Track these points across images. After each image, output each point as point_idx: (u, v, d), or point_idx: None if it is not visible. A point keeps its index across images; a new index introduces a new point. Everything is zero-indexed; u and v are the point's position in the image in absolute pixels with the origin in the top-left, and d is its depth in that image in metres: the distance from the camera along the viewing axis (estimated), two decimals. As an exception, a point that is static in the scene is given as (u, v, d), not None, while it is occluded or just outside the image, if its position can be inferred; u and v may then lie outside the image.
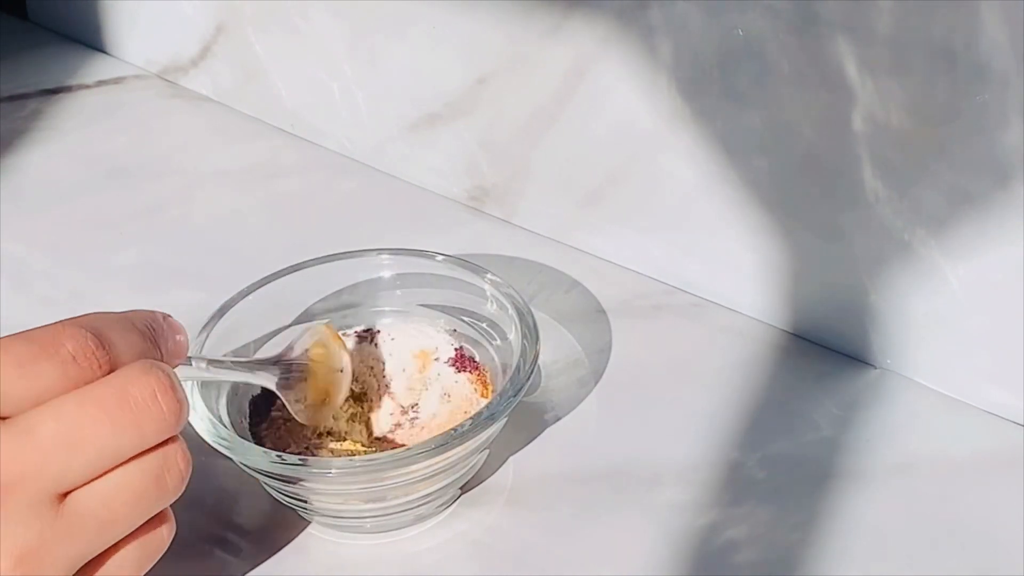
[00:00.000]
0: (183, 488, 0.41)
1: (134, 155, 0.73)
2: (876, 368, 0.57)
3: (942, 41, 0.49)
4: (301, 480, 0.47)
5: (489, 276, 0.53)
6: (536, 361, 0.50)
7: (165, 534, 0.42)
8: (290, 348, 0.51)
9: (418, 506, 0.49)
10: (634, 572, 0.48)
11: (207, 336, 0.51)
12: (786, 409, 0.55)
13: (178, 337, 0.43)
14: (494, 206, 0.66)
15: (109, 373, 0.39)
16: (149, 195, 0.69)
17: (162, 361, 0.42)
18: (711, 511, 0.50)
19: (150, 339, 0.42)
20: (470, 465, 0.50)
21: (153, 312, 0.43)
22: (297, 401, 0.50)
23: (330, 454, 0.50)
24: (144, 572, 0.41)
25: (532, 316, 0.52)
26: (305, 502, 0.49)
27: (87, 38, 0.82)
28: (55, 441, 0.38)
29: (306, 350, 0.50)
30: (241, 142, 0.73)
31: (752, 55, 0.54)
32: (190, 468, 0.41)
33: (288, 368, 0.50)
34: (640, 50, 0.57)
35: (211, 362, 0.48)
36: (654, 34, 0.56)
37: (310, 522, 0.50)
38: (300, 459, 0.47)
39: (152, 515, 0.41)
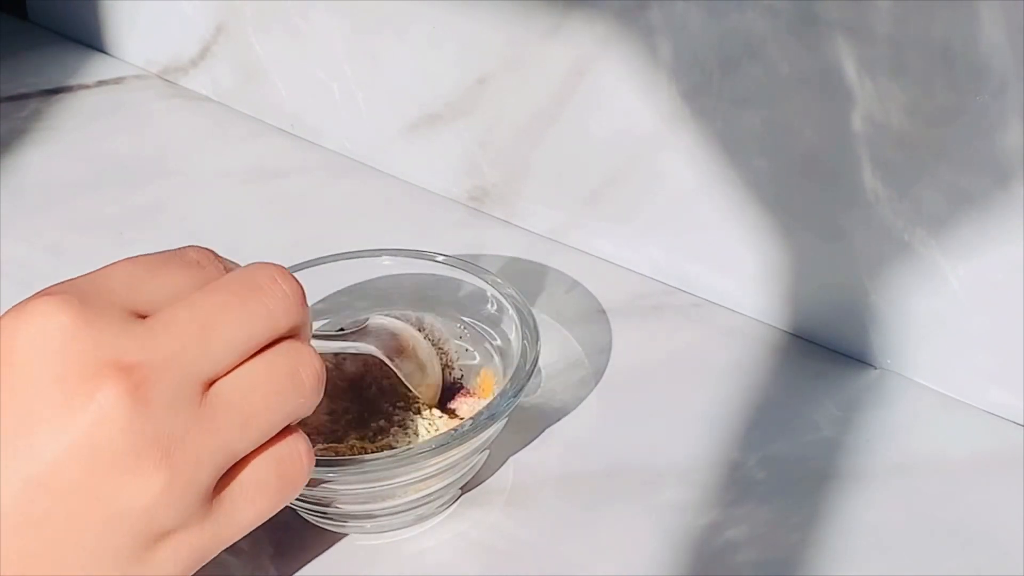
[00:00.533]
0: (320, 390, 0.42)
1: (134, 155, 0.73)
2: (876, 368, 0.57)
3: (942, 42, 0.49)
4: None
5: (489, 277, 0.54)
6: (536, 361, 0.50)
7: (303, 450, 0.42)
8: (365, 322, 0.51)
9: (418, 506, 0.49)
10: (634, 572, 0.48)
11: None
12: (786, 409, 0.55)
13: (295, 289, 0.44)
14: (494, 206, 0.66)
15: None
16: (149, 195, 0.69)
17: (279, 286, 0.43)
18: (711, 511, 0.50)
19: (269, 275, 0.43)
20: (470, 465, 0.50)
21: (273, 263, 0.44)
22: (407, 368, 0.50)
23: (333, 454, 0.50)
24: (284, 495, 0.42)
25: (532, 316, 0.52)
26: (306, 502, 0.49)
27: (87, 38, 0.82)
28: (190, 327, 0.38)
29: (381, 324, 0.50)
30: (241, 142, 0.73)
31: (752, 55, 0.54)
32: (324, 371, 0.42)
33: (377, 335, 0.50)
34: (640, 50, 0.57)
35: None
36: (654, 34, 0.56)
37: (310, 522, 0.50)
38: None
39: (290, 416, 0.41)
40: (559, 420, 0.55)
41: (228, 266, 0.42)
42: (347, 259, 0.55)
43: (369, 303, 0.55)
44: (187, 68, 0.77)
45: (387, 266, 0.55)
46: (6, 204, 0.69)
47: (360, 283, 0.55)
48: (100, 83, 0.79)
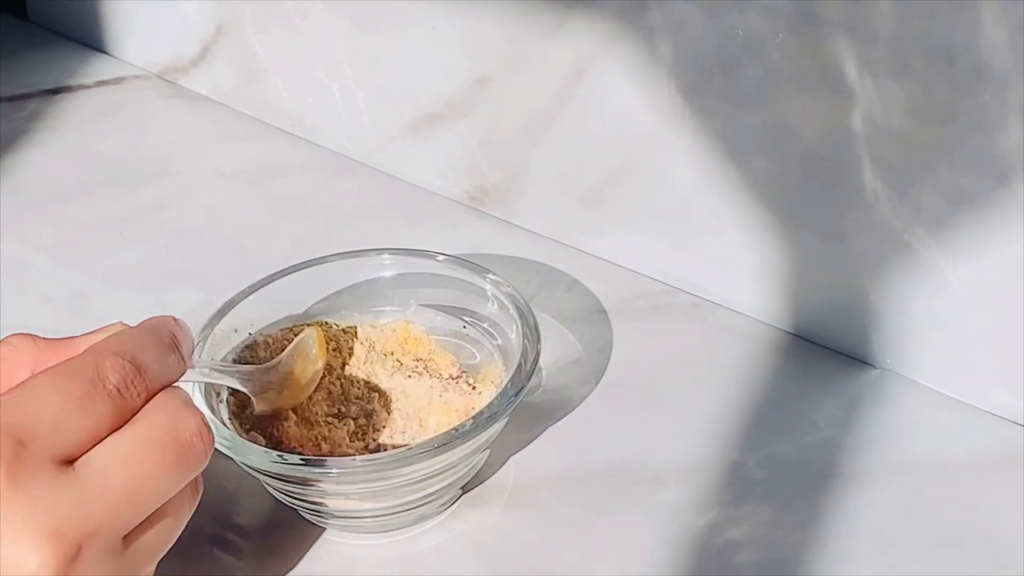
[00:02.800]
0: (207, 454, 0.43)
1: (134, 155, 0.73)
2: (876, 368, 0.57)
3: (942, 41, 0.49)
4: (302, 480, 0.47)
5: (490, 276, 0.53)
6: (537, 361, 0.50)
7: (197, 498, 0.44)
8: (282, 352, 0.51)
9: (419, 506, 0.49)
10: (634, 572, 0.48)
11: (207, 336, 0.51)
12: (786, 409, 0.55)
13: (189, 340, 0.45)
14: (494, 206, 0.66)
15: (149, 396, 0.41)
16: (149, 195, 0.69)
17: (184, 366, 0.43)
18: (711, 511, 0.50)
19: (174, 350, 0.43)
20: (471, 465, 0.50)
21: (167, 318, 0.45)
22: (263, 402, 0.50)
23: (330, 453, 0.50)
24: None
25: (533, 316, 0.52)
26: (306, 502, 0.49)
27: (87, 38, 0.82)
28: (127, 493, 0.39)
29: (290, 355, 0.51)
30: (241, 142, 0.73)
31: (752, 55, 0.54)
32: (202, 487, 0.43)
33: (269, 372, 0.51)
34: (640, 50, 0.57)
35: (213, 368, 0.49)
36: (654, 34, 0.56)
37: (311, 522, 0.50)
38: (301, 459, 0.47)
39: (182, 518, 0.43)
40: (559, 420, 0.55)
41: (143, 379, 0.41)
42: (347, 259, 0.55)
43: (369, 303, 0.55)
44: (187, 68, 0.77)
45: (387, 265, 0.55)
46: (6, 204, 0.69)
47: (360, 283, 0.55)
48: (100, 83, 0.79)
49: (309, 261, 0.55)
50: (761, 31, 0.53)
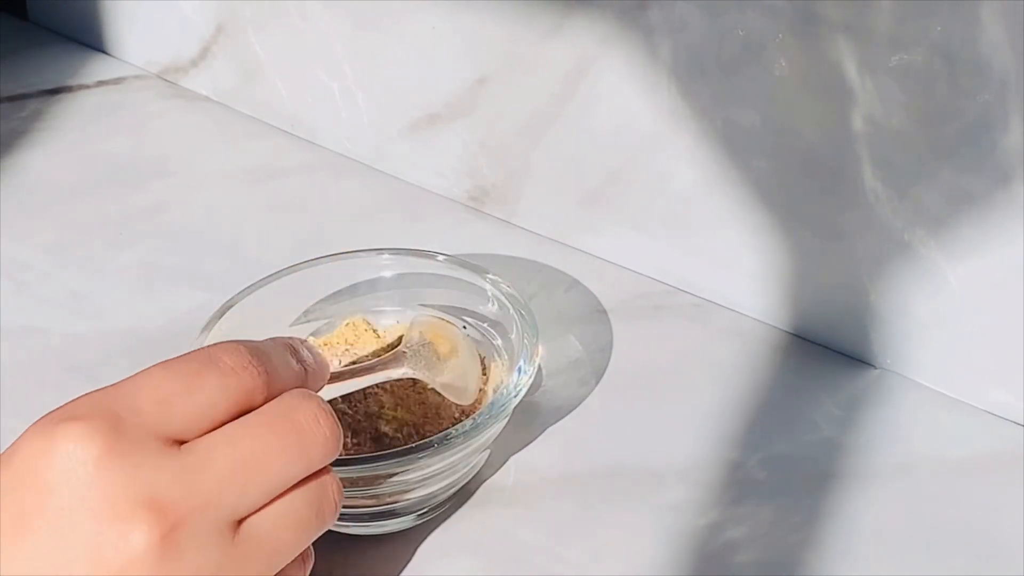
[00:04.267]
0: (334, 519, 0.41)
1: (134, 155, 0.73)
2: (876, 368, 0.57)
3: (942, 41, 0.49)
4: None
5: (490, 276, 0.54)
6: (537, 361, 0.50)
7: (307, 568, 0.42)
8: (406, 340, 0.51)
9: (420, 505, 0.49)
10: (634, 572, 0.48)
11: (207, 336, 0.51)
12: (786, 409, 0.55)
13: (318, 357, 0.44)
14: (494, 206, 0.66)
15: (267, 384, 0.40)
16: (149, 195, 0.69)
17: (307, 378, 0.42)
18: (712, 511, 0.50)
19: (294, 354, 0.42)
20: (471, 465, 0.50)
21: (291, 337, 0.43)
22: (441, 378, 0.50)
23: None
24: (315, 534, 0.41)
25: (533, 316, 0.52)
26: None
27: (87, 38, 0.82)
28: (232, 469, 0.38)
29: (421, 334, 0.50)
30: (241, 142, 0.73)
31: (752, 55, 0.54)
32: (342, 499, 0.41)
33: (414, 353, 0.50)
34: (640, 50, 0.57)
35: (344, 373, 0.48)
36: (654, 34, 0.56)
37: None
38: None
39: (308, 544, 0.41)
40: (560, 420, 0.55)
41: (261, 363, 0.40)
42: (347, 259, 0.55)
43: (370, 302, 0.55)
44: (187, 68, 0.77)
45: (388, 265, 0.55)
46: (6, 204, 0.69)
47: (361, 282, 0.55)
48: (100, 83, 0.79)
49: (309, 261, 0.55)
50: (761, 31, 0.53)
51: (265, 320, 0.53)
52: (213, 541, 0.37)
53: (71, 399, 0.38)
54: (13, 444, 0.37)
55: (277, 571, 0.40)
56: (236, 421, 0.39)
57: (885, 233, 0.53)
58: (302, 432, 0.39)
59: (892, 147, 0.52)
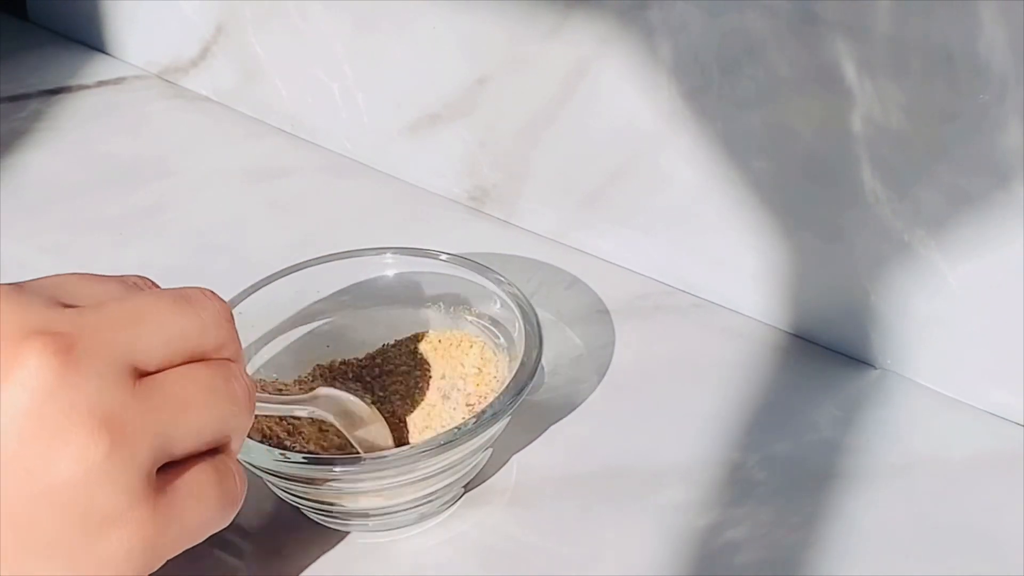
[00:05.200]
0: (251, 409, 0.41)
1: (134, 155, 0.73)
2: (876, 368, 0.57)
3: (941, 42, 0.49)
4: (306, 479, 0.47)
5: (492, 275, 0.54)
6: (539, 360, 0.50)
7: (238, 469, 0.41)
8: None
9: (421, 505, 0.49)
10: (634, 572, 0.48)
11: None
12: (786, 409, 0.55)
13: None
14: (494, 206, 0.66)
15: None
16: (149, 195, 0.69)
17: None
18: (712, 511, 0.50)
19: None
20: (473, 464, 0.50)
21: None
22: (350, 427, 0.50)
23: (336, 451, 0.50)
24: (225, 508, 0.41)
25: (535, 315, 0.52)
26: (309, 501, 0.49)
27: (87, 38, 0.82)
28: (121, 313, 0.38)
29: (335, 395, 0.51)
30: (241, 142, 0.73)
31: (752, 55, 0.54)
32: (254, 390, 0.42)
33: (327, 397, 0.50)
34: (640, 50, 0.57)
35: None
36: (654, 34, 0.56)
37: (313, 521, 0.50)
38: (304, 457, 0.47)
39: (224, 423, 0.40)
40: (560, 420, 0.55)
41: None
42: (348, 258, 0.55)
43: (371, 302, 0.55)
44: (187, 68, 0.77)
45: (390, 264, 0.55)
46: (6, 204, 0.69)
47: (362, 282, 0.55)
48: (100, 83, 0.79)
49: (309, 261, 0.55)
50: (761, 31, 0.53)
51: (265, 320, 0.54)
52: (113, 375, 0.37)
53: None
54: None
55: (189, 429, 0.39)
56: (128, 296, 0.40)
57: (885, 233, 0.53)
58: (191, 299, 0.40)
59: (892, 147, 0.52)
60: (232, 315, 0.42)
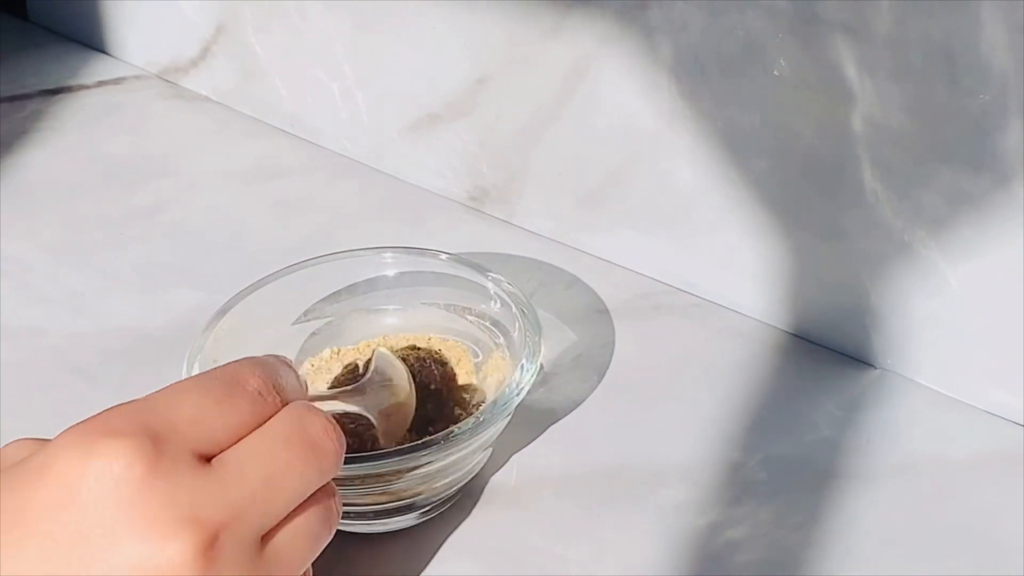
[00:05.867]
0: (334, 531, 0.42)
1: (134, 155, 0.73)
2: (876, 368, 0.57)
3: (942, 42, 0.49)
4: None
5: (492, 275, 0.54)
6: (539, 360, 0.50)
7: (336, 511, 0.43)
8: (366, 371, 0.51)
9: (421, 504, 0.49)
10: (634, 572, 0.48)
11: (208, 336, 0.51)
12: (787, 409, 0.55)
13: (299, 376, 0.45)
14: (494, 206, 0.66)
15: (283, 407, 0.41)
16: (149, 195, 0.69)
17: (303, 388, 0.43)
18: (712, 511, 0.50)
19: (293, 370, 0.43)
20: (473, 463, 0.50)
21: (280, 356, 0.44)
22: (383, 422, 0.50)
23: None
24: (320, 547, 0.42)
25: (535, 314, 0.52)
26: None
27: (87, 38, 0.82)
28: (260, 484, 0.39)
29: (384, 374, 0.51)
30: (241, 142, 0.73)
31: (752, 55, 0.54)
32: (341, 510, 0.42)
33: (375, 391, 0.50)
34: (640, 50, 0.57)
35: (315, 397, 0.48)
36: (654, 34, 0.56)
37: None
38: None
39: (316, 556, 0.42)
40: (561, 419, 0.55)
41: (279, 387, 0.41)
42: (348, 258, 0.55)
43: (371, 302, 0.55)
44: (187, 68, 0.77)
45: (389, 264, 0.55)
46: (6, 204, 0.69)
47: (362, 281, 0.55)
48: (100, 83, 0.79)
49: (309, 261, 0.55)
50: (761, 31, 0.53)
51: (265, 320, 0.54)
52: (246, 555, 0.38)
53: (103, 410, 0.38)
54: (45, 452, 0.37)
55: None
56: (256, 434, 0.40)
57: (885, 233, 0.53)
58: (316, 446, 0.40)
59: (892, 147, 0.52)
60: (340, 433, 0.42)
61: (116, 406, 0.39)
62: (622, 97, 0.59)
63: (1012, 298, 0.51)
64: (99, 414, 0.38)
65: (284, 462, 0.39)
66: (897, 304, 0.55)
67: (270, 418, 0.40)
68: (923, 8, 0.49)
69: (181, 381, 0.40)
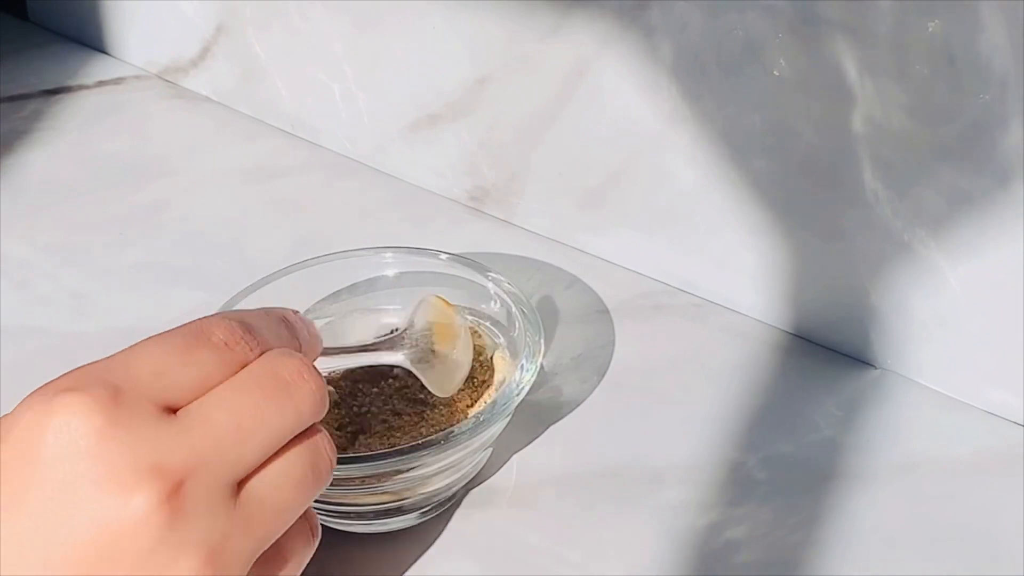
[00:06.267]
0: (330, 478, 0.41)
1: (134, 155, 0.73)
2: (877, 368, 0.57)
3: (942, 42, 0.49)
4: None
5: (492, 275, 0.54)
6: (539, 359, 0.50)
7: (311, 538, 0.42)
8: (409, 324, 0.50)
9: (421, 504, 0.49)
10: (635, 572, 0.48)
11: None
12: (787, 409, 0.55)
13: (311, 329, 0.44)
14: (494, 206, 0.66)
15: (258, 356, 0.40)
16: (149, 195, 0.69)
17: (300, 351, 0.42)
18: (712, 511, 0.50)
19: (287, 327, 0.42)
20: (473, 463, 0.50)
21: (284, 308, 0.44)
22: (429, 371, 0.49)
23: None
24: (316, 488, 0.41)
25: (535, 314, 0.52)
26: (307, 501, 0.49)
27: (87, 38, 0.82)
28: (226, 429, 0.38)
29: (428, 321, 0.50)
30: (241, 142, 0.73)
31: (752, 55, 0.54)
32: (335, 455, 0.41)
33: (413, 342, 0.49)
34: (640, 50, 0.57)
35: (337, 350, 0.48)
36: (654, 34, 0.56)
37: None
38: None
39: (308, 504, 0.41)
40: (561, 419, 0.55)
41: (252, 337, 0.40)
42: (348, 257, 0.55)
43: (371, 302, 0.55)
44: (187, 68, 0.77)
45: (389, 264, 0.55)
46: (6, 204, 0.69)
47: (363, 281, 0.55)
48: (100, 83, 0.79)
49: (309, 260, 0.55)
50: (761, 31, 0.53)
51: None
52: (216, 502, 0.37)
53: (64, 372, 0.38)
54: (8, 416, 0.37)
55: (282, 531, 0.40)
56: (225, 383, 0.39)
57: (885, 233, 0.53)
58: (289, 387, 0.39)
59: (892, 147, 0.52)
60: (315, 368, 0.41)
61: (79, 367, 0.38)
62: (622, 97, 0.59)
63: (1012, 298, 0.51)
64: (62, 375, 0.38)
65: (252, 405, 0.38)
66: (897, 304, 0.55)
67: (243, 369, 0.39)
68: (923, 8, 0.49)
69: (146, 338, 0.39)
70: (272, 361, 0.40)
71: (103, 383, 0.37)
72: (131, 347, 0.39)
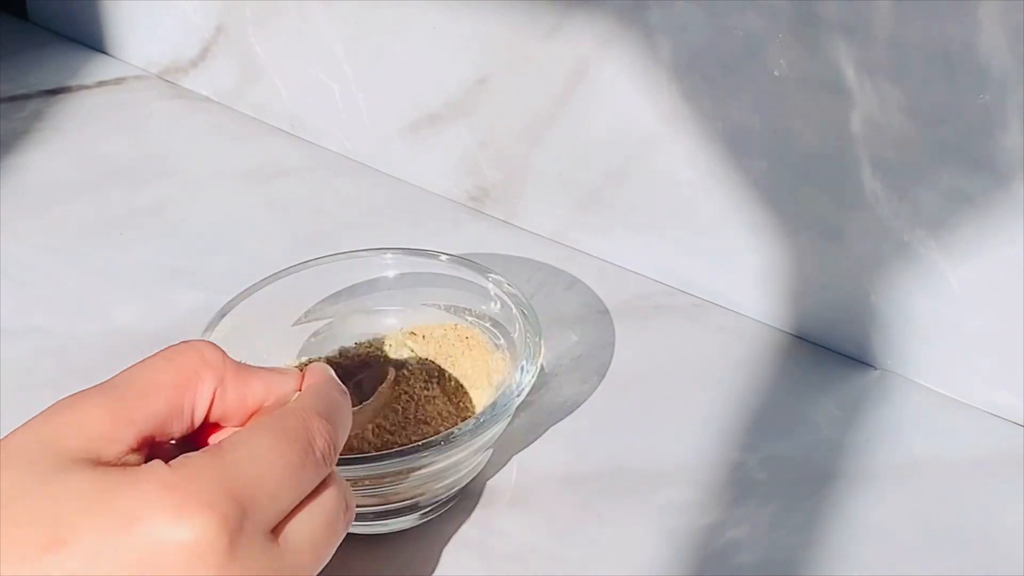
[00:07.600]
0: (353, 515, 0.42)
1: (134, 155, 0.73)
2: (877, 369, 0.57)
3: (941, 42, 0.49)
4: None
5: (492, 275, 0.54)
6: (539, 360, 0.50)
7: (349, 508, 0.43)
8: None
9: (421, 505, 0.49)
10: (635, 572, 0.48)
11: (208, 337, 0.51)
12: (787, 410, 0.55)
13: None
14: (494, 206, 0.66)
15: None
16: (149, 195, 0.69)
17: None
18: (712, 511, 0.50)
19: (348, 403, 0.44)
20: (474, 464, 0.50)
21: (338, 384, 0.44)
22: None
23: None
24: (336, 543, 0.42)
25: (535, 315, 0.52)
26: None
27: (87, 38, 0.82)
28: (312, 567, 0.39)
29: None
30: (241, 142, 0.73)
31: (752, 55, 0.54)
32: (354, 500, 0.42)
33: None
34: (640, 50, 0.57)
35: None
36: (654, 34, 0.56)
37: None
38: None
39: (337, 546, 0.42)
40: (561, 420, 0.55)
41: (337, 447, 0.41)
42: (349, 258, 0.55)
43: (371, 302, 0.55)
44: (187, 68, 0.77)
45: (390, 265, 0.55)
46: (6, 204, 0.69)
47: (363, 282, 0.55)
48: (100, 83, 0.79)
49: (309, 261, 0.55)
50: (761, 31, 0.53)
51: (266, 320, 0.54)
52: (259, 548, 0.38)
53: (185, 457, 0.38)
54: (134, 502, 0.37)
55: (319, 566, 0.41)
56: (314, 510, 0.40)
57: (885, 233, 0.53)
58: (346, 526, 0.41)
59: (892, 148, 0.52)
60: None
61: (201, 456, 0.38)
62: (622, 97, 0.59)
63: (1012, 298, 0.51)
64: (185, 467, 0.38)
65: (332, 546, 0.40)
66: (897, 304, 0.55)
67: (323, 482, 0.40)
68: (923, 8, 0.49)
69: (259, 435, 0.39)
70: (340, 494, 0.41)
71: (232, 499, 0.37)
72: (247, 447, 0.39)
